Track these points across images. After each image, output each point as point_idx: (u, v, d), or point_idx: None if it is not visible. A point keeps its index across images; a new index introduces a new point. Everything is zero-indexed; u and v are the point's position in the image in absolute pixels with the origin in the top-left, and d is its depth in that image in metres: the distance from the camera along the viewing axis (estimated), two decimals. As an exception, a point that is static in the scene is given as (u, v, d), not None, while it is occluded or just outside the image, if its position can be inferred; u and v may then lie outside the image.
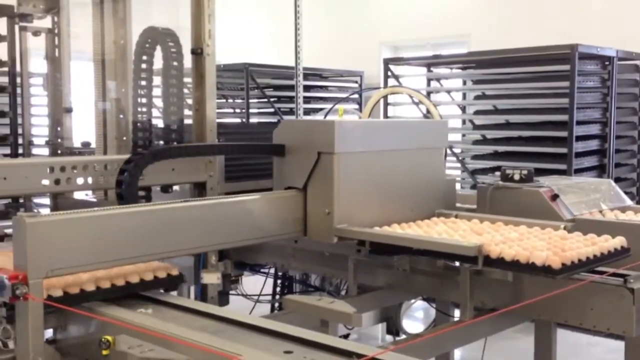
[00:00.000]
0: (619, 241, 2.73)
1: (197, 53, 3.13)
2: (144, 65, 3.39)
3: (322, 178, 2.96)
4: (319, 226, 2.97)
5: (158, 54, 3.37)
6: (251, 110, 8.44)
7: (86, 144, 4.16)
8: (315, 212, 2.99)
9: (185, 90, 3.42)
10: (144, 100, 3.43)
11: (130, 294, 2.69)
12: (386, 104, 7.78)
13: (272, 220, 2.96)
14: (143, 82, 3.41)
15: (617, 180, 6.30)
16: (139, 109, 3.44)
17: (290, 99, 7.39)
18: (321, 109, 8.50)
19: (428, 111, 7.46)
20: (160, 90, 3.39)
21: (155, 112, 3.62)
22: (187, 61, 3.27)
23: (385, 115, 7.75)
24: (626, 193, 4.10)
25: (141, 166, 2.86)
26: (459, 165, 7.35)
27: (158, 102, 3.45)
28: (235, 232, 2.83)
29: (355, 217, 2.97)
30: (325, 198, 2.94)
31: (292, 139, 3.08)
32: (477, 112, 7.50)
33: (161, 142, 3.38)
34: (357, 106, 9.03)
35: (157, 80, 3.45)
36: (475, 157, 7.31)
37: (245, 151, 3.44)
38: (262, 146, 3.25)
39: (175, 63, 3.27)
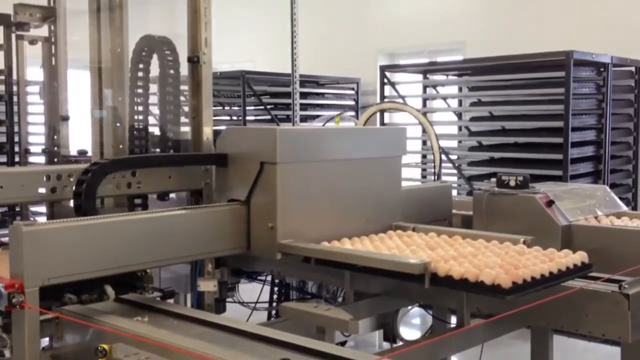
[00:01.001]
0: (579, 257, 2.61)
1: (194, 61, 3.13)
2: (140, 74, 3.40)
3: (265, 190, 2.79)
4: (262, 241, 2.82)
5: (155, 62, 3.38)
6: (248, 118, 8.45)
7: (83, 152, 4.16)
8: (259, 227, 2.82)
9: (182, 98, 3.43)
10: (140, 108, 3.44)
11: (128, 302, 2.69)
12: (382, 111, 7.79)
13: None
14: (140, 90, 3.42)
15: (613, 186, 6.32)
16: (136, 117, 3.44)
17: (287, 106, 7.40)
18: (318, 116, 8.52)
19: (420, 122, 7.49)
20: (157, 98, 3.40)
21: (152, 120, 3.63)
22: (184, 69, 3.28)
23: (382, 123, 7.76)
24: (621, 199, 4.11)
25: (99, 177, 2.74)
26: (455, 171, 7.36)
27: (155, 109, 3.46)
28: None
29: (301, 232, 2.81)
30: (269, 211, 2.77)
31: (235, 148, 2.93)
32: (473, 119, 7.52)
33: (157, 150, 3.38)
34: (353, 113, 9.05)
35: (153, 88, 3.46)
36: (471, 164, 7.33)
37: (188, 161, 3.18)
38: (204, 156, 3.09)
39: (171, 71, 3.28)
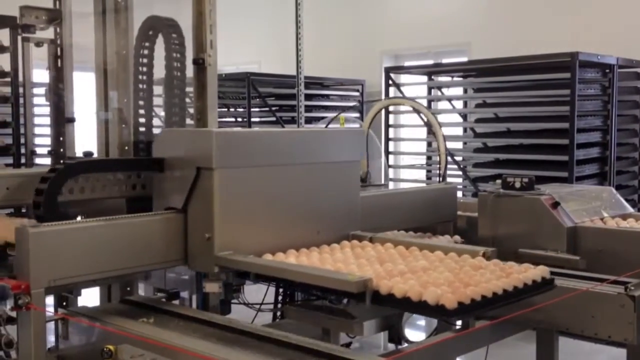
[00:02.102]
0: (539, 272, 2.45)
1: (199, 63, 3.14)
2: (144, 61, 3.38)
3: (201, 197, 2.57)
4: (199, 253, 2.61)
5: (158, 60, 3.39)
6: (253, 119, 8.46)
7: (88, 154, 4.16)
8: (196, 237, 2.61)
9: (188, 100, 3.43)
10: (144, 107, 3.44)
11: (133, 303, 2.70)
12: (387, 113, 7.80)
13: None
14: (144, 86, 3.43)
15: (618, 187, 6.30)
16: (140, 120, 3.45)
17: (292, 108, 7.41)
18: (323, 118, 8.52)
19: (429, 121, 7.49)
20: (161, 89, 3.40)
21: (157, 122, 3.64)
22: (189, 71, 3.29)
23: (387, 125, 7.76)
24: (627, 200, 4.11)
25: (59, 184, 2.62)
26: (460, 173, 7.36)
27: (159, 109, 3.47)
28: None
29: (242, 243, 2.60)
30: (205, 221, 2.56)
31: (172, 152, 2.70)
32: (478, 120, 7.51)
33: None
34: (358, 114, 9.05)
35: (158, 83, 3.48)
36: (477, 165, 7.32)
37: (122, 167, 2.97)
38: (139, 160, 2.92)
39: (177, 64, 3.25)
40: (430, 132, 7.53)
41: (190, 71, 3.26)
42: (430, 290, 2.13)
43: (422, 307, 2.13)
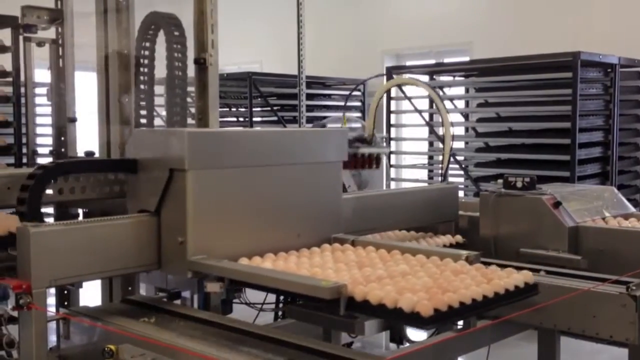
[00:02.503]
0: (522, 277, 2.36)
1: (200, 63, 3.14)
2: (145, 55, 3.38)
3: (175, 200, 2.49)
4: (172, 258, 2.53)
5: (159, 59, 3.39)
6: (255, 119, 8.47)
7: (90, 153, 4.17)
8: (169, 241, 2.53)
9: (189, 100, 3.44)
10: (145, 106, 3.45)
11: (134, 302, 2.70)
12: (389, 112, 7.80)
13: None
14: (144, 85, 3.43)
15: (620, 187, 6.29)
16: (141, 120, 3.46)
17: (294, 108, 7.41)
18: (325, 117, 8.52)
19: (431, 118, 7.47)
20: (163, 89, 3.40)
21: (159, 122, 3.65)
22: (190, 71, 3.29)
23: (388, 124, 7.75)
24: (629, 200, 4.10)
25: (44, 182, 2.56)
26: (462, 172, 7.35)
27: (161, 109, 3.47)
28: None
29: (217, 247, 2.52)
30: (179, 224, 2.48)
31: (145, 152, 2.62)
32: (479, 120, 7.51)
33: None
34: (359, 114, 9.05)
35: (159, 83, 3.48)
36: (478, 165, 7.32)
37: (95, 167, 2.89)
38: (111, 161, 2.86)
39: (179, 63, 3.25)
40: (432, 131, 7.54)
41: (191, 70, 3.26)
42: (406, 297, 2.05)
43: (397, 315, 2.05)
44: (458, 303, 2.09)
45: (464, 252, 2.59)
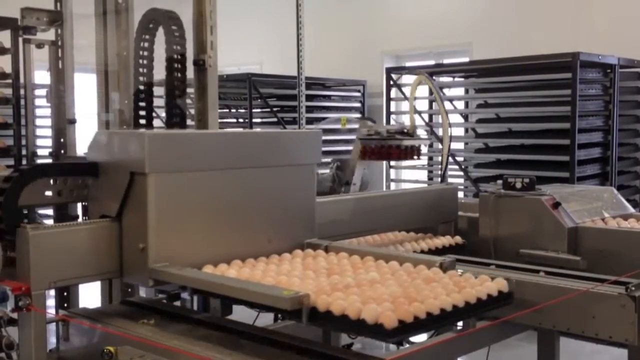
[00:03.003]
0: (496, 285, 2.28)
1: (199, 64, 3.14)
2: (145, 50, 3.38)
3: (135, 205, 2.40)
4: (133, 265, 2.43)
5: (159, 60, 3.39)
6: (254, 120, 8.47)
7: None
8: (130, 248, 2.43)
9: (189, 101, 3.43)
10: (145, 107, 3.45)
11: (133, 304, 2.70)
12: (389, 113, 7.80)
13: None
14: (144, 79, 3.43)
15: (620, 188, 6.29)
16: (140, 121, 3.46)
17: (293, 109, 7.41)
18: (324, 118, 8.52)
19: (430, 119, 7.47)
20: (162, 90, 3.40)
21: (158, 123, 3.65)
22: (190, 72, 3.29)
23: (387, 124, 7.76)
24: (629, 201, 4.10)
25: (21, 185, 2.47)
26: (461, 173, 7.36)
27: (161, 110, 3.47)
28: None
29: (180, 254, 2.42)
30: (140, 230, 2.38)
31: (106, 155, 2.52)
32: (479, 121, 7.51)
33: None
34: (359, 115, 9.05)
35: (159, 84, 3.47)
36: (478, 166, 7.32)
37: (56, 171, 2.74)
38: (74, 165, 2.74)
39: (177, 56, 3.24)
40: (432, 132, 7.54)
41: (190, 71, 3.26)
42: (370, 308, 1.96)
43: (360, 326, 1.95)
44: (425, 314, 2.00)
45: (438, 259, 2.51)
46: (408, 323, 1.94)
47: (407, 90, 7.83)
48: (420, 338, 4.74)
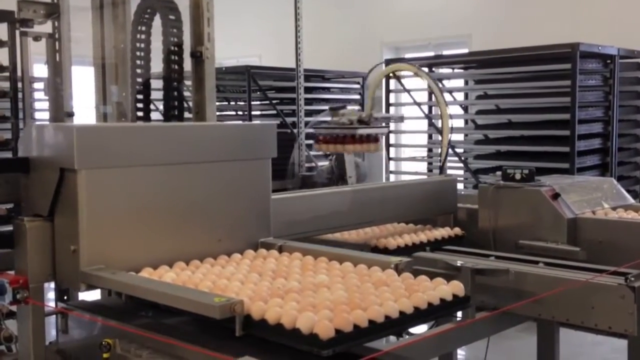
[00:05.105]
0: (450, 288, 2.14)
1: (196, 56, 3.13)
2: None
3: (66, 203, 2.25)
4: (65, 268, 2.27)
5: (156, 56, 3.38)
6: (253, 113, 8.44)
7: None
8: (62, 250, 2.28)
9: (187, 93, 3.43)
10: (142, 99, 3.45)
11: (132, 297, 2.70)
12: (388, 105, 7.78)
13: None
14: (140, 79, 3.42)
15: (620, 178, 6.29)
16: (138, 113, 3.45)
17: (293, 101, 7.39)
18: (323, 110, 8.51)
19: (430, 111, 7.45)
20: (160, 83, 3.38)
21: (156, 116, 3.64)
22: (187, 65, 3.28)
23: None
24: (629, 192, 4.09)
25: None
26: (461, 165, 7.34)
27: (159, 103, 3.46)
28: None
29: (117, 257, 2.27)
30: (71, 230, 2.23)
31: (36, 150, 2.37)
32: (479, 112, 7.49)
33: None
34: (359, 107, 9.03)
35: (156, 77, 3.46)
36: (478, 157, 7.30)
37: None
38: (2, 161, 2.62)
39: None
40: (431, 124, 7.52)
41: (188, 63, 3.25)
42: (305, 316, 1.82)
43: (294, 337, 1.81)
44: (367, 322, 1.86)
45: (394, 260, 2.36)
46: (345, 333, 1.81)
47: (406, 82, 7.81)
48: (420, 329, 4.74)
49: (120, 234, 2.30)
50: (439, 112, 8.21)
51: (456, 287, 2.15)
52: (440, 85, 7.97)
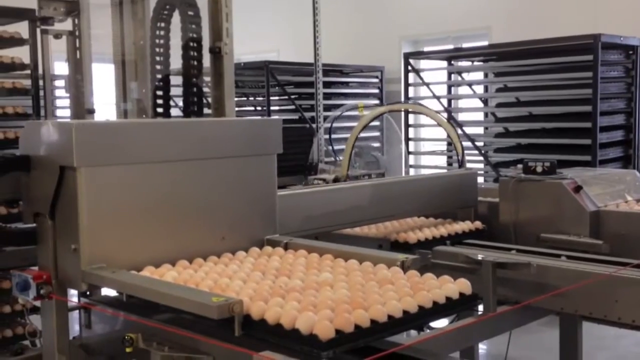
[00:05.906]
0: (457, 287, 2.05)
1: (215, 52, 3.13)
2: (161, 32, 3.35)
3: (67, 202, 2.22)
4: (67, 267, 2.24)
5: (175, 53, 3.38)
6: (272, 108, 8.47)
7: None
8: (63, 249, 2.25)
9: (206, 89, 3.43)
10: (162, 95, 3.45)
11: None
12: (407, 99, 7.75)
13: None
14: (160, 75, 3.43)
15: (643, 170, 6.21)
16: (157, 109, 3.46)
17: (311, 96, 7.40)
18: (342, 105, 8.50)
19: (449, 104, 7.41)
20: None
21: (176, 112, 3.65)
22: (206, 61, 3.28)
23: (406, 111, 7.71)
24: (652, 183, 4.04)
25: None
26: (481, 158, 7.30)
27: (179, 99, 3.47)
28: None
29: (118, 255, 2.24)
30: (72, 229, 2.19)
31: (37, 148, 2.32)
32: (499, 105, 7.44)
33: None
34: (377, 101, 9.02)
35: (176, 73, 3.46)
36: (498, 150, 7.26)
37: None
38: (3, 159, 2.55)
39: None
40: (451, 117, 7.48)
41: (207, 60, 3.25)
42: (305, 316, 1.77)
43: (293, 337, 1.76)
44: (369, 322, 1.80)
45: (401, 257, 2.28)
46: (346, 334, 1.75)
47: (425, 75, 7.78)
48: (441, 323, 4.74)
49: (122, 233, 2.27)
50: (458, 105, 8.18)
51: (463, 285, 2.07)
52: (460, 78, 7.93)
